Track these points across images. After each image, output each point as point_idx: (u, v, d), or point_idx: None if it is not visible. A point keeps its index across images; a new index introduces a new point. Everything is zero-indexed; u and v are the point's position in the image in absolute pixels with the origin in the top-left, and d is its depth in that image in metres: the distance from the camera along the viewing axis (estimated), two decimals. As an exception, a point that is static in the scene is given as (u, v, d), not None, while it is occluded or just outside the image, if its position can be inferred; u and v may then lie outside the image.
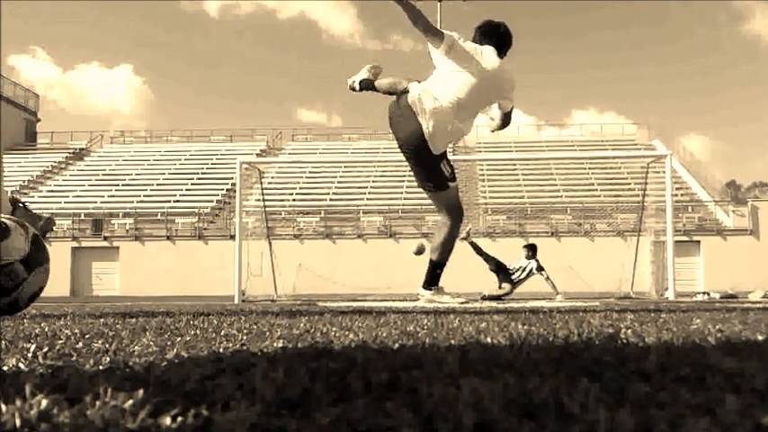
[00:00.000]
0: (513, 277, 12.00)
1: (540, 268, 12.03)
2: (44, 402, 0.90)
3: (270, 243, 12.95)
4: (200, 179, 40.79)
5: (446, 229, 6.38)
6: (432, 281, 6.47)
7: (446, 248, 6.47)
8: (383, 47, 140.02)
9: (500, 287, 11.96)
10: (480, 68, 6.14)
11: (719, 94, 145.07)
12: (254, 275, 12.39)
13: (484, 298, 11.40)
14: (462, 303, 6.25)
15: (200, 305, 7.98)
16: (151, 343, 1.93)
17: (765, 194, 50.66)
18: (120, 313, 4.67)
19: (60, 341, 2.03)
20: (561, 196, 33.95)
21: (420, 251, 9.06)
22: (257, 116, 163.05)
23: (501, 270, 12.04)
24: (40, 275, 4.63)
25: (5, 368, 1.35)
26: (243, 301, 11.56)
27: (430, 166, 6.12)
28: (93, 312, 5.01)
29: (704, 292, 15.11)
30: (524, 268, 12.07)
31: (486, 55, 6.12)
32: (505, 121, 6.42)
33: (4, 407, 0.88)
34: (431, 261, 6.48)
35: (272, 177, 36.79)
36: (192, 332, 2.42)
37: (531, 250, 12.24)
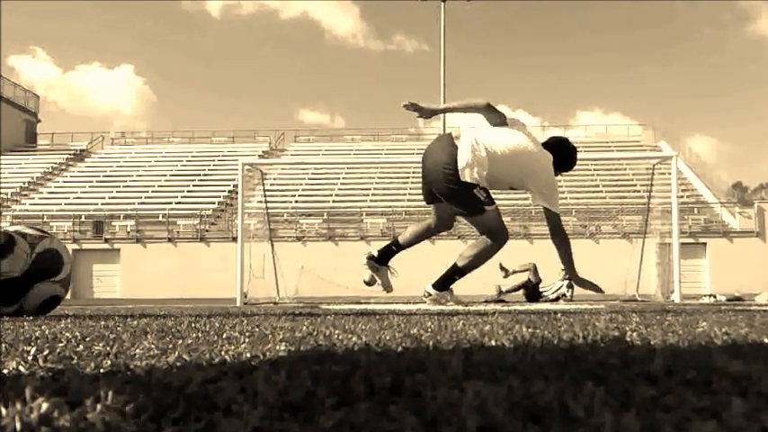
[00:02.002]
0: (544, 295, 11.99)
1: (570, 286, 12.01)
2: (44, 406, 0.89)
3: (272, 245, 12.96)
4: (201, 181, 40.83)
5: (484, 245, 6.35)
6: (445, 284, 6.45)
7: (475, 262, 6.45)
8: (386, 47, 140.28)
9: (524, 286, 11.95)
10: (534, 145, 6.19)
11: (725, 95, 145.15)
12: (256, 278, 12.40)
13: (500, 293, 11.44)
14: (466, 306, 6.24)
15: (201, 307, 7.99)
16: (152, 346, 1.92)
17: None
18: (121, 316, 4.67)
19: (61, 344, 2.02)
20: (566, 198, 33.94)
21: (371, 282, 9.07)
22: (259, 117, 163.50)
23: (537, 289, 12.02)
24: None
25: (5, 371, 1.35)
26: (245, 303, 11.57)
27: (462, 193, 6.10)
28: (93, 315, 5.01)
29: (710, 295, 15.07)
30: (555, 286, 12.07)
31: (543, 150, 6.18)
32: (550, 219, 6.33)
33: (4, 410, 0.88)
34: (455, 265, 6.45)
35: (275, 179, 36.83)
36: (194, 335, 2.41)
37: None
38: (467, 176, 5.92)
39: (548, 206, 6.14)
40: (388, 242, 6.91)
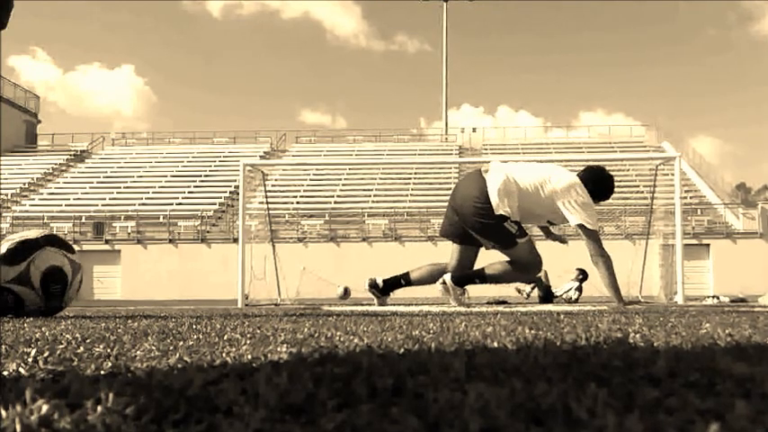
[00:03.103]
0: (557, 296, 11.99)
1: (579, 289, 11.98)
2: (45, 408, 0.89)
3: (273, 246, 12.93)
4: (202, 181, 40.85)
5: (515, 269, 6.39)
6: (463, 281, 6.48)
7: (501, 279, 6.51)
8: (388, 47, 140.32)
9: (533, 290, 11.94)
10: (561, 171, 6.28)
11: (729, 96, 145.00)
12: (257, 279, 12.35)
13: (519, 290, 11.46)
14: (468, 308, 6.26)
15: (202, 309, 7.98)
16: (153, 347, 1.92)
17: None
18: (122, 317, 4.66)
19: (61, 346, 2.02)
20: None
21: (344, 296, 9.05)
22: (261, 118, 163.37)
23: (550, 291, 12.02)
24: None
25: (6, 373, 1.34)
26: (246, 305, 11.55)
27: (491, 226, 6.15)
28: (94, 316, 5.01)
29: (714, 296, 15.02)
30: (565, 288, 12.04)
31: (571, 174, 6.27)
32: (588, 237, 6.38)
33: (4, 412, 0.87)
34: (482, 270, 6.49)
35: (276, 180, 36.87)
36: (195, 337, 2.41)
37: (583, 275, 12.15)
38: (499, 209, 5.99)
39: (583, 222, 6.18)
40: (398, 274, 6.94)
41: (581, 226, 6.27)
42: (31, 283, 4.66)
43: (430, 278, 6.71)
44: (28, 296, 4.68)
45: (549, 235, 6.82)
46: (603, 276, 6.52)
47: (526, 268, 6.38)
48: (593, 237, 6.34)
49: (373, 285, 6.99)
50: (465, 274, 6.53)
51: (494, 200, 6.07)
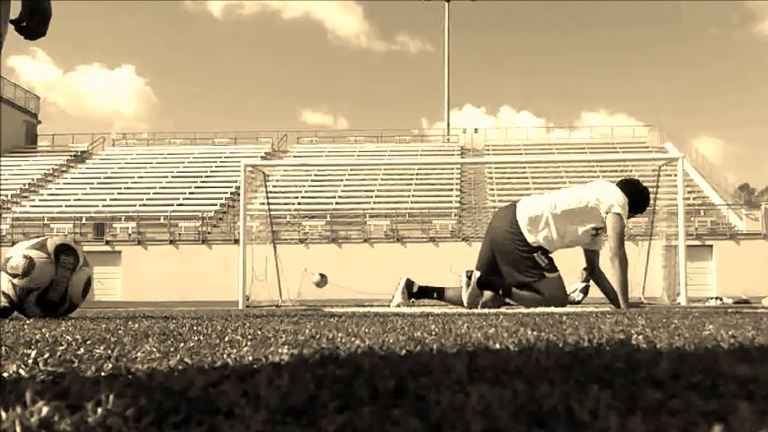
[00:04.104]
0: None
1: (584, 290, 11.92)
2: (45, 409, 0.89)
3: (275, 247, 12.93)
4: (203, 182, 40.86)
5: (538, 300, 6.46)
6: (487, 287, 6.52)
7: (522, 300, 6.55)
8: (389, 48, 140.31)
9: None
10: (586, 184, 6.45)
11: (732, 96, 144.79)
12: (258, 280, 12.35)
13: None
14: (470, 309, 6.29)
15: (203, 310, 7.98)
16: (154, 349, 1.91)
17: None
18: (123, 318, 4.67)
19: (61, 347, 2.02)
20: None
21: (321, 283, 9.02)
22: (262, 118, 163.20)
23: None
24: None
25: (6, 374, 1.34)
26: (247, 306, 11.55)
27: (522, 256, 6.21)
28: (94, 317, 5.02)
29: (717, 297, 15.01)
30: (570, 289, 11.97)
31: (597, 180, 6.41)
32: (612, 225, 6.50)
33: (4, 414, 0.87)
34: (509, 285, 6.55)
35: (277, 180, 36.88)
36: (196, 338, 2.41)
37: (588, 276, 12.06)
38: (530, 238, 6.10)
39: (619, 207, 6.27)
40: (436, 286, 7.04)
41: (615, 214, 6.33)
42: (46, 247, 5.11)
43: (458, 303, 6.77)
44: (41, 263, 5.02)
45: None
46: (615, 275, 6.60)
47: (549, 303, 6.47)
48: (619, 229, 6.43)
49: (409, 286, 7.04)
50: (491, 281, 6.59)
51: (524, 228, 6.19)
